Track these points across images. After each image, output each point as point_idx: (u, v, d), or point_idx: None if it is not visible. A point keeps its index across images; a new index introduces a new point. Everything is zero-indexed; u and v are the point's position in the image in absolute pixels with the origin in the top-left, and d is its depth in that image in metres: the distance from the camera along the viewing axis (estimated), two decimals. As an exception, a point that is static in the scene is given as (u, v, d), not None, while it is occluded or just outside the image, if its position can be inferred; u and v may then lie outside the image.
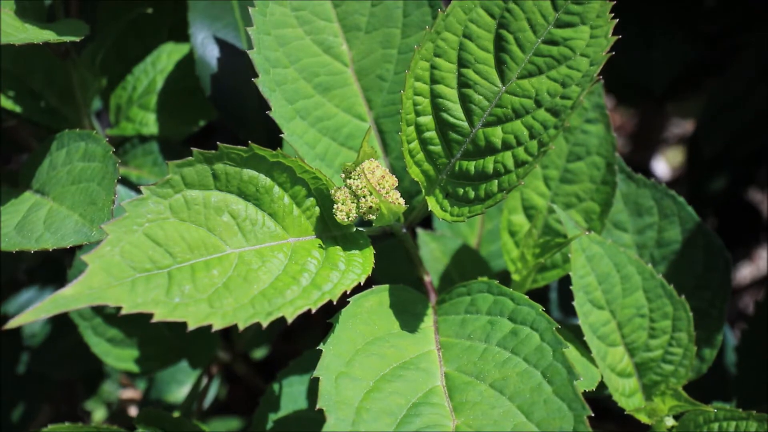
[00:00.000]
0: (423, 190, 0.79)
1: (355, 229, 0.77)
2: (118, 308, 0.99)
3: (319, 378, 0.67)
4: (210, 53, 0.96)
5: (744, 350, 1.14)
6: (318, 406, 0.65)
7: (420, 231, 1.07)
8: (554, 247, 0.87)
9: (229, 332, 1.33)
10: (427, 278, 0.89)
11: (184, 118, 1.04)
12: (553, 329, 0.71)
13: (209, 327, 1.04)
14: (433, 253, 1.07)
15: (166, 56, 1.07)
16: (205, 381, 1.27)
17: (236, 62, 0.96)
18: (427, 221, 1.15)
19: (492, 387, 0.70)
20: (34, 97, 1.01)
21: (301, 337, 1.61)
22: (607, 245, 0.88)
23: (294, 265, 0.70)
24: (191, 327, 0.62)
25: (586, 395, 1.01)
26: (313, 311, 0.66)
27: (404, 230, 0.83)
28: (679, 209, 0.99)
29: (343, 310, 0.74)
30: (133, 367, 1.06)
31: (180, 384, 1.37)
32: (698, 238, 0.98)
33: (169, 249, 0.66)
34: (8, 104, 0.98)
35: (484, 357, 0.73)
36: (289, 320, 0.65)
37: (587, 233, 0.88)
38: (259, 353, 1.54)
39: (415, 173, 0.78)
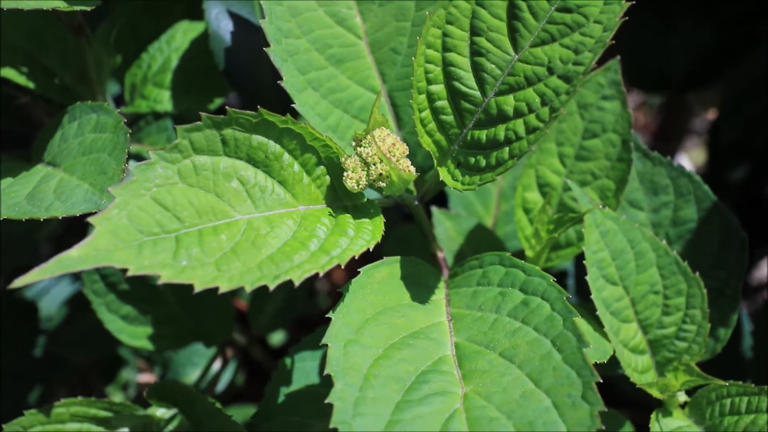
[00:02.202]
0: (435, 161, 0.78)
1: (366, 200, 0.77)
2: (130, 281, 1.00)
3: (327, 345, 0.67)
4: (224, 27, 0.96)
5: (760, 334, 1.13)
6: (326, 372, 0.65)
7: (435, 210, 1.07)
8: (568, 222, 0.86)
9: (245, 316, 1.33)
10: (440, 254, 0.88)
11: (198, 96, 1.04)
12: (563, 299, 0.70)
13: (224, 306, 1.04)
14: (448, 232, 1.06)
15: (181, 34, 1.07)
16: (218, 365, 1.27)
17: (250, 37, 0.96)
18: (443, 201, 1.14)
19: (502, 356, 0.69)
20: (48, 74, 1.02)
21: (319, 325, 1.61)
22: (621, 221, 0.88)
23: (303, 231, 0.70)
24: (198, 289, 0.62)
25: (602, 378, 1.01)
26: (321, 275, 0.66)
27: (416, 202, 0.82)
28: (695, 188, 0.98)
29: (354, 280, 0.74)
30: (147, 345, 1.06)
31: (195, 366, 1.37)
32: (714, 217, 0.97)
33: (177, 214, 0.65)
34: (21, 80, 0.98)
35: (495, 327, 0.72)
36: (297, 283, 0.64)
37: (599, 207, 0.87)
38: (277, 339, 1.54)
39: (426, 143, 0.77)
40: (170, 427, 0.95)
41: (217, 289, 1.00)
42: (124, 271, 0.61)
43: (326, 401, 0.63)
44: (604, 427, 0.62)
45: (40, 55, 1.02)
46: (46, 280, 1.41)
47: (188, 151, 0.67)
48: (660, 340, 0.89)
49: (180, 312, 1.06)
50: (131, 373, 1.52)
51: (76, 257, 0.60)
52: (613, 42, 0.70)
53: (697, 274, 0.88)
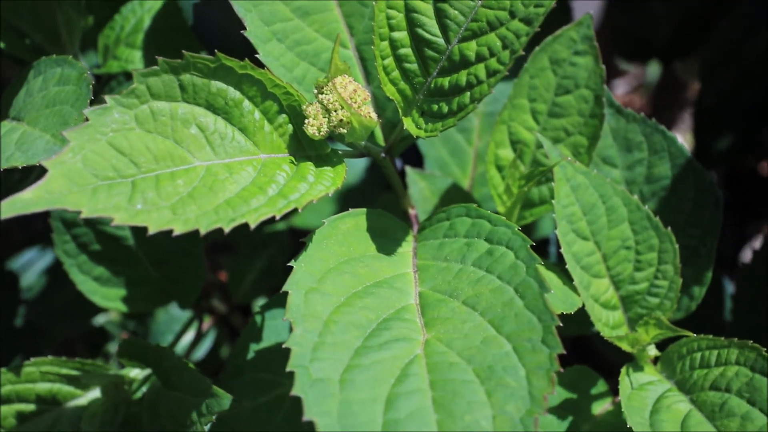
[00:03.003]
0: (400, 111, 0.77)
1: (329, 150, 0.76)
2: (102, 242, 1.00)
3: (288, 292, 0.67)
4: (192, -18, 0.95)
5: (740, 297, 1.13)
6: (285, 318, 0.64)
7: (409, 169, 1.06)
8: (537, 175, 0.86)
9: (226, 284, 1.33)
10: (412, 211, 0.88)
11: (169, 55, 1.02)
12: (527, 247, 0.70)
13: (196, 265, 1.03)
14: (423, 192, 1.06)
15: (155, -6, 1.06)
16: (192, 334, 1.27)
17: (219, -8, 0.95)
18: (419, 163, 1.14)
19: (465, 304, 0.69)
20: (18, 34, 1.01)
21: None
22: (593, 176, 0.87)
23: (262, 177, 0.69)
24: (152, 231, 0.61)
25: (575, 339, 1.01)
26: (278, 218, 0.65)
27: (383, 155, 0.82)
28: (669, 144, 0.97)
29: (318, 231, 0.73)
30: (121, 306, 1.05)
31: (176, 333, 1.37)
32: (689, 174, 0.97)
33: (133, 159, 0.65)
34: (-10, 39, 0.97)
35: (459, 276, 0.72)
36: (252, 226, 0.64)
37: (569, 160, 0.86)
38: (261, 309, 1.53)
39: (390, 92, 0.77)
40: (143, 387, 0.95)
41: (189, 248, 1.01)
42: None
43: (284, 346, 0.62)
44: (562, 370, 0.61)
45: (12, 18, 1.01)
46: (32, 256, 1.41)
47: (145, 97, 0.67)
48: (632, 295, 0.89)
49: (153, 273, 1.05)
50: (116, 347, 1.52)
51: (29, 199, 0.59)
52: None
53: (669, 229, 0.87)
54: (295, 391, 0.60)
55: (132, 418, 0.94)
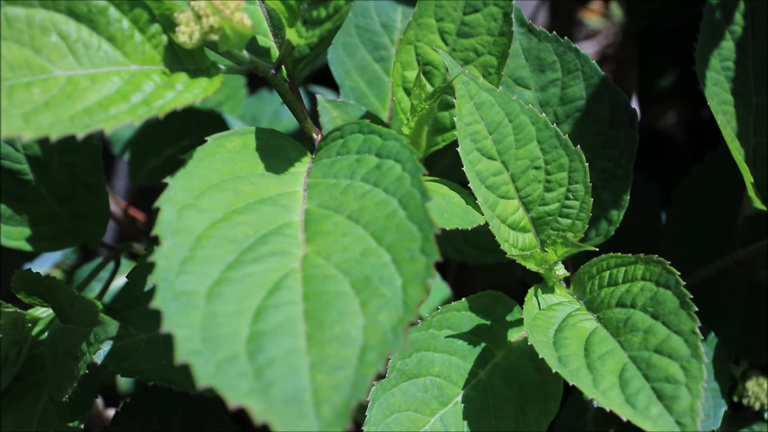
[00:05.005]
0: (285, 22, 0.74)
1: (210, 63, 0.73)
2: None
3: (159, 208, 0.63)
4: None
5: (667, 231, 1.12)
6: (153, 233, 0.61)
7: (319, 97, 1.02)
8: (439, 92, 0.83)
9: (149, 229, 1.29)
10: (317, 136, 0.85)
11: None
12: (414, 158, 0.67)
13: (99, 202, 1.00)
14: (335, 122, 1.02)
15: None
16: (124, 280, 1.23)
17: None
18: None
19: (348, 218, 0.66)
20: None
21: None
22: (498, 93, 0.84)
23: (128, 86, 0.65)
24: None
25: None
26: (136, 124, 0.61)
27: (273, 71, 0.78)
28: (582, 64, 0.94)
29: (199, 148, 0.70)
30: (26, 246, 1.01)
31: (100, 281, 1.33)
32: (603, 93, 0.94)
33: (-16, 67, 0.61)
34: None
35: (346, 191, 0.69)
36: (108, 131, 0.60)
37: (468, 74, 0.83)
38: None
39: (273, 2, 0.73)
40: (42, 325, 0.92)
41: (90, 182, 0.97)
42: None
43: (148, 260, 0.59)
44: (438, 276, 0.59)
45: None
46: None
47: (-2, 2, 0.63)
48: (543, 217, 0.86)
49: (57, 209, 1.01)
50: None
51: None
52: None
53: (579, 147, 0.84)
54: (155, 304, 0.57)
55: (36, 359, 0.91)
